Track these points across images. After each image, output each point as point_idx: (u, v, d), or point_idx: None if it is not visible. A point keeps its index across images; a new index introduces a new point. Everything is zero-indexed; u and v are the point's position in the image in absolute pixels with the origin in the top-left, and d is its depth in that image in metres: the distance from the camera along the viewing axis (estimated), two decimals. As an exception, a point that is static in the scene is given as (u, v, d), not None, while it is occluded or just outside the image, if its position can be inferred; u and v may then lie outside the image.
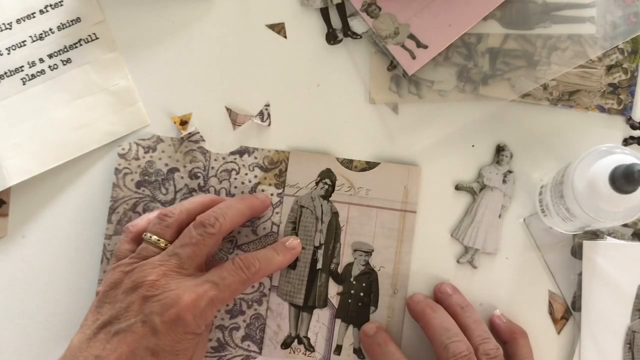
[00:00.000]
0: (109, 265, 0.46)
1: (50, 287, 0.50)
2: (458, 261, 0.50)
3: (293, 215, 0.50)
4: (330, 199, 0.50)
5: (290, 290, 0.50)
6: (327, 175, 0.51)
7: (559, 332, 0.49)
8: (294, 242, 0.49)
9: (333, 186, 0.50)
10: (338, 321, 0.49)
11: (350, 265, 0.50)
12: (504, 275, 0.50)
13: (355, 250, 0.50)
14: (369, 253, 0.50)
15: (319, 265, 0.50)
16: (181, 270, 0.43)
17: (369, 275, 0.50)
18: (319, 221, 0.50)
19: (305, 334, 0.50)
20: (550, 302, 0.49)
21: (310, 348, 0.49)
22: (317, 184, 0.50)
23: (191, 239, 0.44)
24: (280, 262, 0.47)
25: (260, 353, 0.49)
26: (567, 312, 0.49)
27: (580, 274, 0.49)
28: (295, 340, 0.49)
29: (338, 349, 0.49)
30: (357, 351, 0.49)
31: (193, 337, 0.42)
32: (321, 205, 0.50)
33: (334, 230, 0.50)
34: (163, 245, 0.44)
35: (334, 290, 0.50)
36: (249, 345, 0.49)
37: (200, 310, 0.41)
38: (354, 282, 0.50)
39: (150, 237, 0.45)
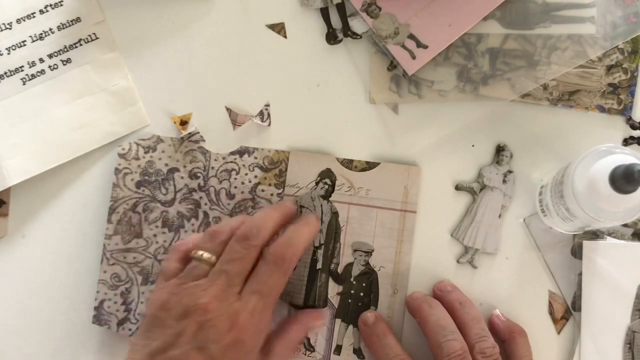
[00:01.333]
0: (155, 284, 0.44)
1: (50, 287, 0.50)
2: (458, 261, 0.50)
3: (293, 215, 0.50)
4: (330, 199, 0.50)
5: (290, 290, 0.50)
6: (327, 175, 0.51)
7: (559, 332, 0.49)
8: (309, 218, 0.48)
9: (333, 186, 0.50)
10: (338, 321, 0.50)
11: (350, 265, 0.50)
12: (504, 275, 0.50)
13: (355, 250, 0.50)
14: (369, 253, 0.50)
15: (319, 265, 0.50)
16: (231, 287, 0.42)
17: (369, 275, 0.50)
18: (318, 221, 0.50)
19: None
20: (550, 302, 0.49)
21: (310, 348, 0.49)
22: (317, 184, 0.50)
23: (236, 253, 0.43)
24: (306, 237, 0.46)
25: (260, 353, 0.49)
26: (567, 312, 0.49)
27: (580, 274, 0.49)
28: (295, 340, 0.49)
29: (338, 349, 0.49)
30: (357, 351, 0.49)
31: (253, 355, 0.42)
32: (321, 205, 0.50)
33: (334, 230, 0.50)
34: (214, 261, 0.43)
35: (334, 290, 0.50)
36: (249, 345, 0.49)
37: (255, 327, 0.41)
38: (354, 282, 0.50)
39: (202, 254, 0.43)
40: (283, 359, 0.45)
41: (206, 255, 0.43)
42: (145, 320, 0.43)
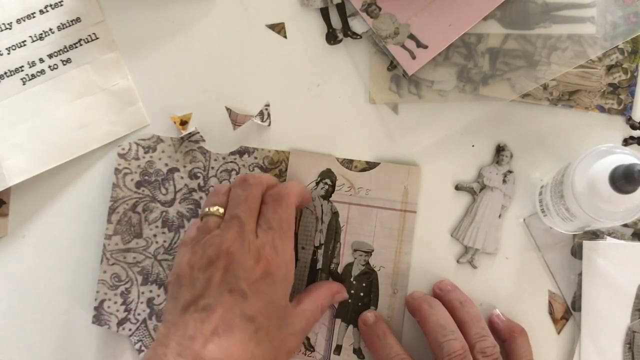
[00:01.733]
0: (178, 250, 0.45)
1: (50, 287, 0.50)
2: (458, 261, 0.50)
3: (293, 215, 0.50)
4: (330, 199, 0.50)
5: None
6: (327, 175, 0.51)
7: (559, 332, 0.49)
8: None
9: (333, 186, 0.50)
10: (338, 321, 0.49)
11: (350, 265, 0.50)
12: (504, 275, 0.50)
13: (355, 250, 0.50)
14: (369, 253, 0.50)
15: (319, 265, 0.50)
16: (246, 227, 0.43)
17: (369, 275, 0.50)
18: (319, 221, 0.50)
19: (305, 334, 0.49)
20: (550, 302, 0.49)
21: (310, 348, 0.49)
22: (317, 184, 0.50)
23: (240, 197, 0.44)
24: (295, 185, 0.47)
25: (260, 353, 0.49)
26: (567, 312, 0.49)
27: (580, 274, 0.49)
28: (295, 340, 0.49)
29: (338, 349, 0.49)
30: (357, 351, 0.49)
31: (286, 286, 0.43)
32: (321, 205, 0.50)
33: (334, 230, 0.50)
34: (222, 212, 0.45)
35: (334, 290, 0.50)
36: (249, 345, 0.49)
37: (280, 257, 0.42)
38: (354, 282, 0.50)
39: (209, 209, 0.45)
40: (310, 314, 0.46)
41: (213, 208, 0.45)
42: (170, 285, 0.43)
